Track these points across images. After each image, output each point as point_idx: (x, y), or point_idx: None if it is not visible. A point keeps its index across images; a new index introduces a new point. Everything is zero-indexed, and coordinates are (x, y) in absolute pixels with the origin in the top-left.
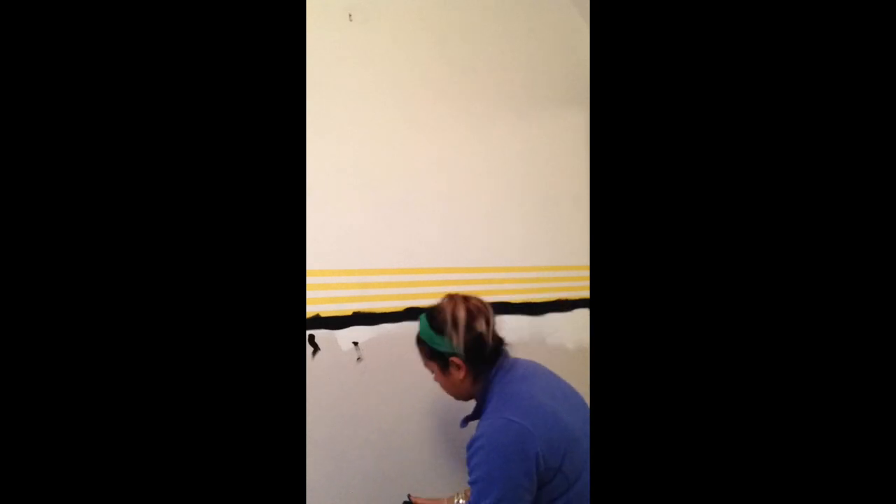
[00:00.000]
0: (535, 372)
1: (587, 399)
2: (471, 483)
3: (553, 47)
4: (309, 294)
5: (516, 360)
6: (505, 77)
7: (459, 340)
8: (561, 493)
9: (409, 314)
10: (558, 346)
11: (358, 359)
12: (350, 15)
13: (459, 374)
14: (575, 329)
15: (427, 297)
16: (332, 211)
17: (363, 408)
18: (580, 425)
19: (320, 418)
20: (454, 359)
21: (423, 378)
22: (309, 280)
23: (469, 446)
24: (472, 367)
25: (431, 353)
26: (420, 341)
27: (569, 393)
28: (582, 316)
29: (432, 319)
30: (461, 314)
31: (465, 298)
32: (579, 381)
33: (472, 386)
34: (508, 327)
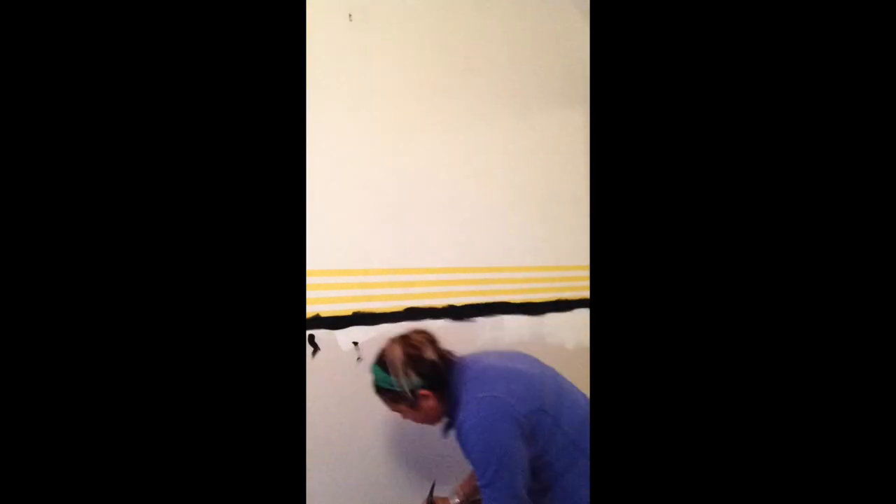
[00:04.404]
0: (482, 354)
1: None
2: (472, 462)
3: (553, 47)
4: (309, 294)
5: (464, 358)
6: (505, 77)
7: (416, 375)
8: (550, 436)
9: (409, 314)
10: (558, 346)
11: (358, 359)
12: (350, 15)
13: (430, 403)
14: (575, 329)
15: (427, 297)
16: (332, 211)
17: (363, 408)
18: (536, 370)
19: (320, 418)
20: (422, 392)
21: None
22: (309, 280)
23: (458, 434)
24: (438, 390)
25: (395, 395)
26: (381, 390)
27: (518, 356)
28: (582, 316)
29: (384, 367)
30: (410, 351)
31: (404, 337)
32: (579, 381)
33: (441, 406)
34: (508, 327)
